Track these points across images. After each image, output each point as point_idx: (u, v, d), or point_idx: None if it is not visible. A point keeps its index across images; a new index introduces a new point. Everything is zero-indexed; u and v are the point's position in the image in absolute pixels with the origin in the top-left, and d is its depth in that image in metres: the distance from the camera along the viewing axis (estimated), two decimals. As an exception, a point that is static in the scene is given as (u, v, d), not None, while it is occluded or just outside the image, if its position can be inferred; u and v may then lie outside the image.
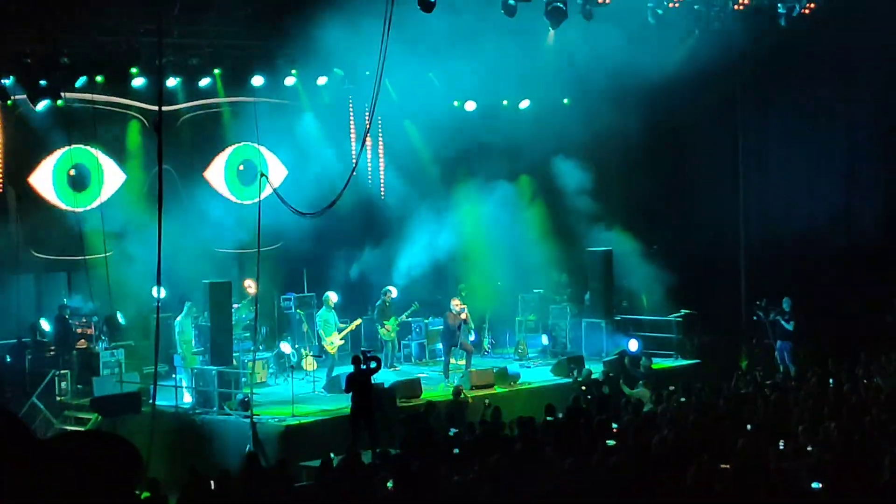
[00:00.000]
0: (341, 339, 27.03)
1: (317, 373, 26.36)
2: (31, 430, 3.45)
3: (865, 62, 31.91)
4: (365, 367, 22.32)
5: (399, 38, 20.07)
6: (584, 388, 24.86)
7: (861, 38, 31.42)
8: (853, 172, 32.94)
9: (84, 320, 26.47)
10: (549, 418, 21.00)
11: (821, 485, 14.12)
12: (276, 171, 29.67)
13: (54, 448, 3.61)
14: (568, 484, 14.71)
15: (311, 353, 27.30)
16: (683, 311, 30.19)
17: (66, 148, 26.76)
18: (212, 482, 16.87)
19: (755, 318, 29.24)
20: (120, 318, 26.62)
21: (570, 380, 26.43)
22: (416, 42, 24.97)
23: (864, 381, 22.80)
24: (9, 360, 25.29)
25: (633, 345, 28.22)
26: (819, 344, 28.18)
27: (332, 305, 27.00)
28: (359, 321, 28.31)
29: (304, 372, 26.61)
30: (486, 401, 23.69)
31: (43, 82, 25.11)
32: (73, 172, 27.31)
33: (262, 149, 29.42)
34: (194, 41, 27.01)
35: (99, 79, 26.19)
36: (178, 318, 25.86)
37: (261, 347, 26.73)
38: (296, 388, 24.43)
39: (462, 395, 23.74)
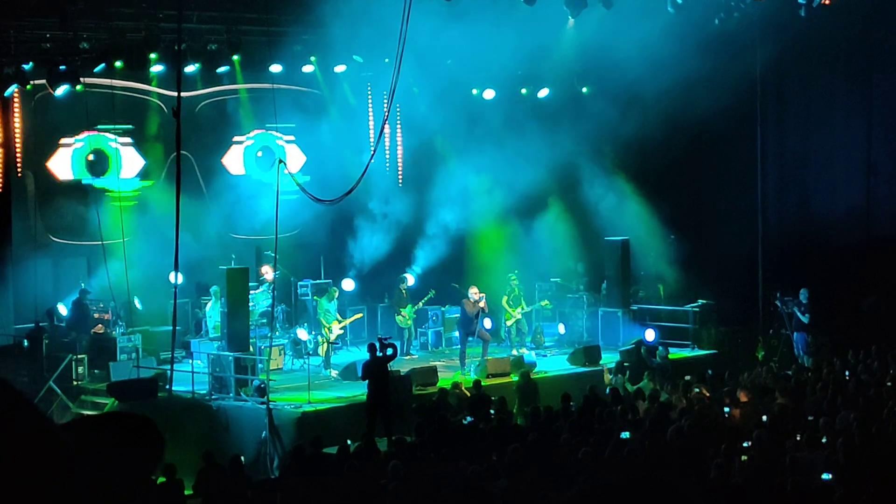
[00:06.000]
0: (341, 329, 27.10)
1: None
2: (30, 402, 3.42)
3: (885, 53, 31.78)
4: (381, 354, 22.35)
5: (418, 26, 20.06)
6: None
7: (881, 29, 31.31)
8: (872, 163, 32.82)
9: (101, 305, 26.55)
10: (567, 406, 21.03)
11: (831, 476, 14.09)
12: (295, 158, 29.69)
13: (71, 432, 3.60)
14: (583, 473, 14.71)
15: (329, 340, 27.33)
16: (700, 302, 30.13)
17: (85, 133, 26.85)
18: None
19: (772, 308, 29.20)
20: (137, 303, 26.73)
21: (587, 369, 26.45)
22: (435, 30, 24.95)
23: (880, 372, 22.74)
24: (26, 344, 25.36)
25: (650, 335, 28.16)
26: (835, 336, 28.10)
27: (335, 297, 27.13)
28: (359, 314, 28.41)
29: (321, 358, 26.67)
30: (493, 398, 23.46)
31: (62, 67, 25.15)
32: (91, 158, 27.41)
33: (281, 135, 29.47)
34: (213, 27, 27.04)
35: (118, 64, 26.19)
36: (210, 304, 26.41)
37: (277, 333, 26.79)
38: (311, 373, 24.54)
39: (458, 391, 23.52)
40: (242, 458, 18.75)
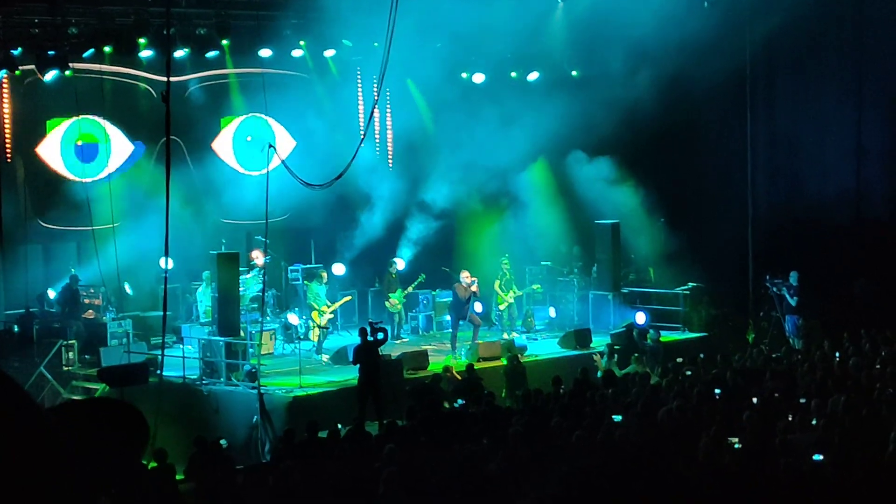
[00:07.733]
0: (331, 314, 27.10)
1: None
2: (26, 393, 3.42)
3: (876, 36, 31.75)
4: (372, 338, 22.35)
5: (408, 9, 20.01)
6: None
7: (871, 12, 31.29)
8: (862, 146, 32.81)
9: (92, 291, 26.50)
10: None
11: (822, 457, 14.11)
12: (284, 143, 29.64)
13: (56, 417, 3.60)
14: (575, 457, 14.72)
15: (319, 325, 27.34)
16: (691, 284, 30.16)
17: (74, 118, 26.78)
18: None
19: (762, 290, 29.26)
20: (128, 288, 26.68)
21: (578, 352, 26.49)
22: (424, 13, 24.91)
23: (870, 355, 22.77)
24: (17, 329, 25.34)
25: (641, 318, 28.19)
26: (826, 318, 28.13)
27: (325, 281, 27.14)
28: (348, 297, 28.41)
29: (312, 343, 26.67)
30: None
31: (51, 52, 25.09)
32: (80, 143, 27.34)
33: (270, 120, 29.42)
34: (202, 11, 26.98)
35: (107, 49, 26.20)
36: (200, 289, 26.40)
37: (268, 318, 26.77)
38: (302, 358, 24.53)
39: (449, 374, 23.55)
40: (223, 441, 18.75)
